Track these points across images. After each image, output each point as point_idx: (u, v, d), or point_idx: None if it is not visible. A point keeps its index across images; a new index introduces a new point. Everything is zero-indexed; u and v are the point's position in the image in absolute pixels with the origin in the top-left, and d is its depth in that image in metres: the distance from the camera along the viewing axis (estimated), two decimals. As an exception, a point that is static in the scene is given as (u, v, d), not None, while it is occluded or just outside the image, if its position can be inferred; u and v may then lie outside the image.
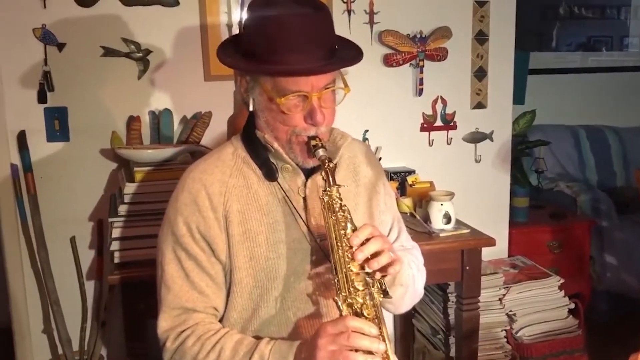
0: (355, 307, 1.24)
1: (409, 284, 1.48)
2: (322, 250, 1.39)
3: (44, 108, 2.35)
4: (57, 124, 2.37)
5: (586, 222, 3.38)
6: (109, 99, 2.41)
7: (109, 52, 2.37)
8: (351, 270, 1.25)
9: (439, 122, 2.80)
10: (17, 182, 2.35)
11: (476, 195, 2.87)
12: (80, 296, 2.48)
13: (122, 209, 1.98)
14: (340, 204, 1.30)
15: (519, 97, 3.31)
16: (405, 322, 2.81)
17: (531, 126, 3.51)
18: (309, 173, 1.42)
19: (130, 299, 2.03)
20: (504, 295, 2.62)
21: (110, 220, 2.00)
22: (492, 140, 2.90)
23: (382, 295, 1.26)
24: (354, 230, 1.29)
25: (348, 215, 1.30)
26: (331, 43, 1.34)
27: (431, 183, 2.57)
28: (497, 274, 2.62)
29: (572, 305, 2.73)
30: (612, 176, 4.06)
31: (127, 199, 1.99)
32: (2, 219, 2.39)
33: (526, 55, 3.68)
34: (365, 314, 1.23)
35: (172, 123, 2.45)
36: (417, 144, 2.79)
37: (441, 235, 2.27)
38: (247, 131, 1.45)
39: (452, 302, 2.49)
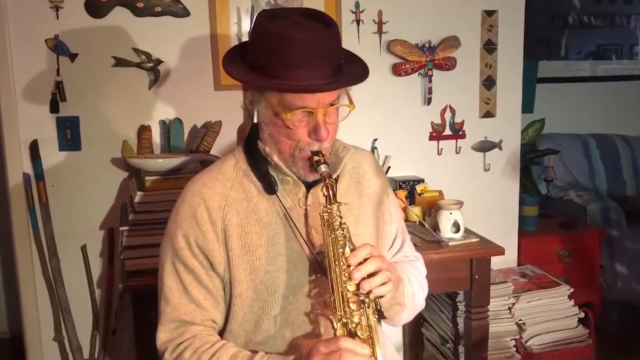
0: (350, 326, 1.24)
1: (408, 301, 1.49)
2: (320, 264, 1.39)
3: (56, 117, 2.37)
4: (69, 134, 2.39)
5: (596, 231, 3.37)
6: (120, 109, 2.44)
7: (120, 62, 2.40)
8: (347, 290, 1.26)
9: (447, 131, 2.81)
10: (29, 190, 2.37)
11: (485, 204, 2.87)
12: (91, 304, 2.50)
13: (133, 217, 2.00)
14: (340, 221, 1.30)
15: (527, 105, 3.30)
16: (414, 331, 2.81)
17: (540, 135, 3.51)
18: (309, 186, 1.43)
19: (140, 307, 2.04)
20: (513, 304, 2.62)
21: (121, 228, 2.02)
22: (501, 149, 2.90)
23: (376, 316, 1.27)
24: (352, 249, 1.29)
25: (347, 234, 1.30)
26: (339, 59, 1.34)
27: (440, 192, 2.58)
28: (506, 283, 2.61)
29: (582, 315, 2.72)
30: (622, 185, 4.04)
31: (137, 207, 2.00)
32: (15, 228, 2.42)
33: (535, 64, 3.68)
34: (359, 334, 1.24)
35: (182, 132, 2.47)
36: (425, 153, 2.80)
37: (450, 244, 2.27)
38: (249, 143, 1.45)
39: (461, 311, 2.49)
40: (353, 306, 1.26)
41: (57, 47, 2.33)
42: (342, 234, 1.29)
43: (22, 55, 2.31)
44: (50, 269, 2.42)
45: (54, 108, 2.36)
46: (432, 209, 2.43)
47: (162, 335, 1.39)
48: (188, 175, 2.11)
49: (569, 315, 2.70)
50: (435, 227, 2.34)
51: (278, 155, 1.38)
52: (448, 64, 2.71)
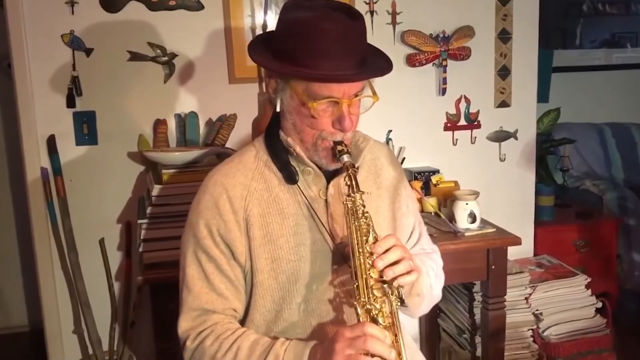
0: (373, 313, 1.25)
1: (426, 293, 1.50)
2: (343, 254, 1.41)
3: (72, 112, 2.39)
4: (86, 128, 2.41)
5: (613, 221, 3.35)
6: (136, 103, 2.45)
7: (135, 56, 2.41)
8: (371, 277, 1.27)
9: (462, 122, 2.80)
10: (47, 185, 2.39)
11: (501, 194, 2.87)
12: (110, 297, 2.52)
13: (151, 210, 2.01)
14: (363, 210, 1.31)
15: (543, 95, 3.29)
16: (431, 322, 2.81)
17: (556, 124, 3.49)
18: (330, 176, 1.44)
19: (159, 300, 2.06)
20: (530, 294, 2.61)
21: (139, 222, 2.03)
22: (516, 138, 2.89)
23: (398, 303, 1.28)
24: (375, 237, 1.30)
25: (370, 223, 1.32)
26: (364, 51, 1.36)
27: (455, 182, 2.57)
28: (522, 273, 2.60)
29: (600, 304, 2.71)
30: (638, 174, 4.01)
31: (155, 200, 2.01)
32: (33, 222, 2.44)
33: (550, 53, 3.66)
34: (380, 320, 1.25)
35: (197, 126, 2.48)
36: (441, 143, 2.79)
37: (466, 234, 2.27)
38: (270, 133, 1.46)
39: (478, 301, 2.49)
40: (377, 293, 1.27)
41: (73, 42, 2.35)
42: (366, 222, 1.31)
43: (38, 51, 2.33)
44: (69, 262, 2.44)
45: (71, 103, 2.37)
46: (448, 199, 2.43)
47: (184, 324, 1.41)
48: (205, 168, 2.12)
49: (586, 305, 2.69)
50: (451, 218, 2.33)
51: (300, 145, 1.39)
52: (462, 54, 2.70)
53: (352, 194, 1.32)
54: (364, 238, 1.29)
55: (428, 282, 1.49)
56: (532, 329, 2.62)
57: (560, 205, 3.42)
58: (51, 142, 2.39)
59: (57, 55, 2.34)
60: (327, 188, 1.43)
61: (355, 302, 1.27)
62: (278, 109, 1.41)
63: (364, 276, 1.27)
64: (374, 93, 1.38)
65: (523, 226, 2.92)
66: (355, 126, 1.38)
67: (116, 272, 2.55)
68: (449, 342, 2.71)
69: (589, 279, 2.70)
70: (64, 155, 2.40)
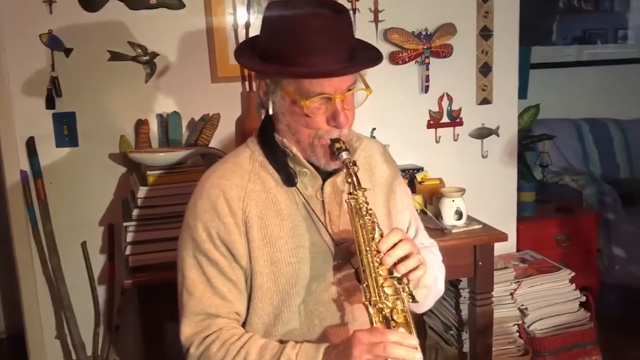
0: (385, 312, 1.23)
1: (432, 285, 1.49)
2: (343, 254, 1.39)
3: (52, 114, 2.35)
4: (66, 129, 2.37)
5: (593, 215, 3.39)
6: (117, 103, 2.41)
7: (115, 56, 2.37)
8: (380, 275, 1.25)
9: (445, 119, 2.80)
10: (27, 188, 2.35)
11: (484, 191, 2.87)
12: (93, 301, 2.48)
13: (137, 213, 1.98)
14: (367, 207, 1.30)
15: (521, 91, 3.30)
16: (417, 319, 2.78)
17: (534, 121, 3.52)
18: (325, 177, 1.42)
19: (146, 303, 2.03)
20: (515, 289, 2.63)
21: (125, 224, 2.00)
22: (498, 135, 2.90)
23: (410, 299, 1.26)
24: (381, 234, 1.29)
25: (375, 219, 1.30)
26: (352, 45, 1.34)
27: (440, 180, 2.58)
28: (507, 269, 2.62)
29: (583, 298, 2.73)
30: (615, 168, 4.06)
31: (141, 202, 1.98)
32: (13, 226, 2.39)
33: (527, 50, 3.68)
34: (395, 318, 1.23)
35: (180, 126, 2.45)
36: (424, 141, 2.79)
37: (453, 231, 2.28)
38: (264, 134, 1.44)
39: (464, 297, 2.50)
40: (388, 291, 1.25)
41: (52, 42, 2.30)
42: (370, 219, 1.29)
43: (16, 51, 2.28)
44: (51, 266, 2.40)
45: (50, 104, 2.33)
46: (434, 196, 2.43)
47: (187, 330, 1.38)
48: (191, 169, 2.10)
49: (571, 300, 2.72)
50: (438, 215, 2.34)
51: (297, 146, 1.37)
52: (445, 52, 2.70)
53: (354, 192, 1.31)
54: (370, 235, 1.28)
55: (433, 275, 1.49)
56: (517, 324, 2.64)
57: (541, 200, 3.44)
58: (30, 144, 2.34)
59: (35, 56, 2.30)
60: (322, 188, 1.41)
61: (366, 302, 1.24)
62: (271, 112, 1.38)
63: (373, 275, 1.25)
64: (367, 86, 1.37)
65: (506, 222, 2.93)
66: (352, 122, 1.37)
67: (99, 275, 2.51)
68: (435, 339, 2.72)
69: (573, 274, 2.73)
70: (43, 158, 2.36)
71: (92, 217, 2.47)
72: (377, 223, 1.31)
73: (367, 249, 1.27)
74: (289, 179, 1.39)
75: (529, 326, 2.66)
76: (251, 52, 1.38)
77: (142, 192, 2.00)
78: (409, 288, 1.26)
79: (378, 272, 1.25)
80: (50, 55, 2.31)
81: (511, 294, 2.62)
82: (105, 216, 2.47)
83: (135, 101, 2.42)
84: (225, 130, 2.50)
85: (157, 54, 2.41)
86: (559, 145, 3.87)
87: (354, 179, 1.31)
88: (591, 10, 4.41)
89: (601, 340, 2.76)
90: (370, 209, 1.31)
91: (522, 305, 2.65)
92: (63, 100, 2.35)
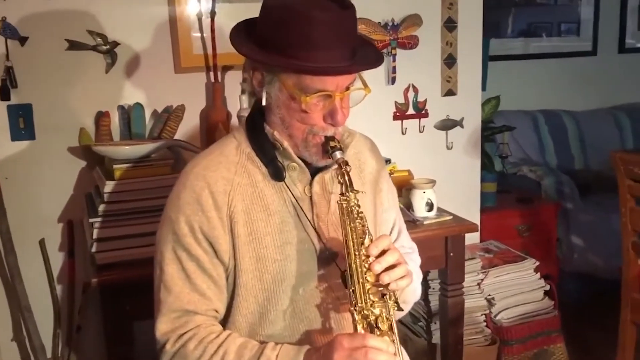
0: (370, 319, 1.21)
1: (411, 298, 1.49)
2: (330, 253, 1.36)
3: (7, 105, 2.23)
4: (22, 122, 2.26)
5: (552, 205, 3.45)
6: (76, 95, 2.31)
7: (74, 45, 2.27)
8: (367, 281, 1.23)
9: (411, 111, 2.80)
10: (-20, 184, 2.23)
11: (449, 182, 2.87)
12: (52, 301, 2.39)
13: (104, 208, 1.90)
14: (358, 210, 1.27)
15: (481, 83, 3.33)
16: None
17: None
18: (313, 173, 1.38)
19: (111, 302, 1.95)
20: (482, 280, 2.64)
21: (91, 220, 1.91)
22: (462, 127, 2.91)
23: (395, 308, 1.24)
24: (371, 239, 1.26)
25: (365, 224, 1.27)
26: (355, 42, 1.30)
27: (409, 171, 2.57)
28: (474, 259, 2.64)
29: (548, 287, 2.78)
30: (570, 159, 4.15)
31: (108, 197, 1.90)
32: (-34, 224, 2.27)
33: (487, 42, 3.71)
34: (379, 326, 1.21)
35: (143, 118, 2.37)
36: (390, 132, 2.78)
37: (425, 223, 2.27)
38: (252, 126, 1.38)
39: (433, 289, 2.50)
40: (374, 298, 1.22)
41: (5, 30, 2.19)
42: (361, 223, 1.26)
43: (-33, 40, 2.16)
44: (7, 265, 2.28)
45: (5, 95, 2.22)
46: (403, 188, 2.42)
47: (163, 326, 1.32)
48: (158, 162, 2.04)
49: (535, 288, 2.76)
50: (409, 207, 2.33)
51: (288, 141, 1.32)
52: (411, 43, 2.70)
53: (346, 193, 1.27)
54: (360, 240, 1.25)
55: (413, 287, 1.46)
56: (485, 314, 2.66)
57: (501, 191, 3.49)
58: (-16, 138, 2.23)
59: (-13, 45, 2.18)
60: (311, 185, 1.37)
61: (351, 308, 1.21)
62: (264, 103, 1.32)
63: (361, 280, 1.22)
64: (365, 85, 1.33)
65: (470, 213, 2.93)
66: (346, 120, 1.33)
67: (58, 274, 2.41)
68: (403, 331, 2.71)
69: (538, 263, 2.77)
70: (-2, 152, 2.25)
71: (51, 214, 2.37)
72: (367, 227, 1.28)
73: (356, 253, 1.24)
74: (277, 173, 1.34)
75: (495, 316, 2.68)
76: (247, 37, 1.31)
77: (108, 186, 1.91)
78: (395, 296, 1.24)
79: (366, 277, 1.23)
80: (4, 44, 2.19)
81: (478, 284, 2.64)
82: (64, 212, 2.37)
83: (96, 92, 2.33)
84: (189, 123, 2.44)
85: (118, 44, 2.32)
86: (517, 137, 3.93)
87: (347, 179, 1.27)
88: (545, 3, 4.49)
89: (563, 328, 2.80)
90: (361, 212, 1.28)
91: (489, 295, 2.67)
92: (19, 92, 2.24)
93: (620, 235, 2.51)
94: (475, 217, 3.01)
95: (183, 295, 1.32)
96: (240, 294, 1.33)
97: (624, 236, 2.46)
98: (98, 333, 2.38)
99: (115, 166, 1.95)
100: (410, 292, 1.46)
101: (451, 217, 2.33)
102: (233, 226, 1.31)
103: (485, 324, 2.65)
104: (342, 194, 1.28)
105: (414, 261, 1.56)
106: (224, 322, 1.37)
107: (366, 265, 1.23)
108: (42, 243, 2.34)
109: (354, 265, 1.23)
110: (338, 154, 1.28)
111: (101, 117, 2.32)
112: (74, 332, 2.39)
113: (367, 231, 1.27)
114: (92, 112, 2.34)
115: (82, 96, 2.32)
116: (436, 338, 2.54)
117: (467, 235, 2.65)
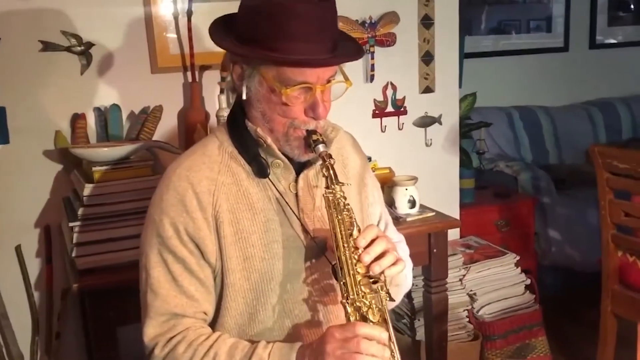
0: (363, 310, 1.20)
1: (403, 282, 1.49)
2: (318, 249, 1.35)
3: (-21, 109, 2.18)
4: (-5, 126, 2.21)
5: (529, 200, 3.49)
6: (51, 97, 2.26)
7: (48, 46, 2.22)
8: (357, 272, 1.22)
9: (390, 108, 2.80)
10: (-47, 190, 2.17)
11: (429, 178, 2.88)
12: (30, 308, 2.33)
13: (83, 212, 1.86)
14: (344, 202, 1.26)
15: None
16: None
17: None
18: (298, 169, 1.37)
19: (94, 307, 1.91)
20: (464, 275, 2.65)
21: (70, 224, 1.87)
22: (440, 123, 2.92)
23: (387, 298, 1.23)
24: (359, 229, 1.26)
25: (352, 215, 1.27)
26: (336, 34, 1.29)
27: (390, 169, 2.57)
28: (456, 255, 2.65)
29: (529, 281, 2.80)
30: (545, 154, 4.20)
31: (87, 201, 1.86)
32: (-61, 231, 2.21)
33: (462, 39, 3.73)
34: (370, 317, 1.20)
35: (120, 119, 2.33)
36: (370, 130, 2.77)
37: (408, 219, 2.27)
38: (234, 123, 1.37)
39: (417, 285, 2.50)
40: (365, 289, 1.21)
41: (-24, 31, 2.14)
42: (348, 215, 1.25)
43: (-64, 41, 2.10)
44: (-17, 273, 2.24)
45: (-23, 98, 2.17)
46: (385, 185, 2.41)
47: (151, 330, 1.29)
48: (138, 164, 2.00)
49: (517, 283, 2.78)
50: (391, 204, 2.33)
51: (270, 136, 1.31)
52: (388, 40, 2.69)
53: (331, 186, 1.26)
54: (348, 231, 1.24)
55: (404, 272, 1.46)
56: (467, 310, 2.67)
57: (478, 187, 3.51)
58: (-44, 143, 2.17)
59: (-42, 46, 2.13)
60: (296, 181, 1.36)
61: (343, 300, 1.21)
62: (244, 97, 1.31)
63: (351, 272, 1.21)
64: (347, 78, 1.32)
65: (450, 209, 2.95)
66: (328, 113, 1.32)
67: (36, 280, 2.35)
68: (387, 329, 2.71)
69: (518, 257, 2.79)
70: (-29, 156, 2.19)
71: (27, 219, 2.31)
72: (354, 219, 1.27)
73: (345, 245, 1.23)
74: (261, 170, 1.33)
75: (477, 311, 2.69)
76: (225, 32, 1.30)
77: (87, 189, 1.87)
78: (386, 287, 1.24)
79: (356, 269, 1.22)
80: (-25, 46, 2.14)
81: (460, 279, 2.65)
82: (41, 217, 2.32)
83: (71, 94, 2.28)
84: (167, 124, 2.40)
85: (93, 44, 2.27)
86: (492, 133, 3.97)
87: (331, 172, 1.26)
88: (515, 0, 4.54)
89: (543, 320, 2.83)
90: (348, 204, 1.27)
91: (471, 290, 2.69)
92: (-9, 95, 2.19)
93: (597, 227, 2.54)
94: (455, 213, 3.02)
95: (170, 298, 1.30)
96: (229, 294, 1.31)
97: (603, 228, 2.49)
98: (78, 339, 2.34)
99: (94, 168, 1.91)
100: (402, 277, 1.45)
101: (434, 213, 2.34)
102: (219, 226, 1.30)
103: (467, 319, 2.66)
104: (327, 187, 1.27)
105: (403, 250, 1.56)
106: (213, 323, 1.35)
107: (356, 257, 1.23)
108: (18, 249, 2.28)
109: (343, 258, 1.23)
110: (321, 147, 1.27)
111: (77, 119, 2.28)
112: (53, 339, 2.34)
113: (354, 223, 1.26)
114: (67, 115, 2.29)
115: (57, 98, 2.27)
116: (420, 335, 2.54)
117: (448, 232, 2.68)
